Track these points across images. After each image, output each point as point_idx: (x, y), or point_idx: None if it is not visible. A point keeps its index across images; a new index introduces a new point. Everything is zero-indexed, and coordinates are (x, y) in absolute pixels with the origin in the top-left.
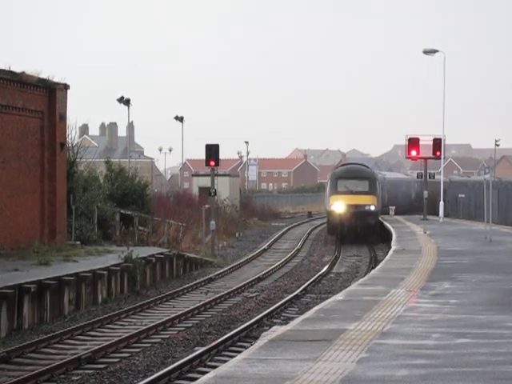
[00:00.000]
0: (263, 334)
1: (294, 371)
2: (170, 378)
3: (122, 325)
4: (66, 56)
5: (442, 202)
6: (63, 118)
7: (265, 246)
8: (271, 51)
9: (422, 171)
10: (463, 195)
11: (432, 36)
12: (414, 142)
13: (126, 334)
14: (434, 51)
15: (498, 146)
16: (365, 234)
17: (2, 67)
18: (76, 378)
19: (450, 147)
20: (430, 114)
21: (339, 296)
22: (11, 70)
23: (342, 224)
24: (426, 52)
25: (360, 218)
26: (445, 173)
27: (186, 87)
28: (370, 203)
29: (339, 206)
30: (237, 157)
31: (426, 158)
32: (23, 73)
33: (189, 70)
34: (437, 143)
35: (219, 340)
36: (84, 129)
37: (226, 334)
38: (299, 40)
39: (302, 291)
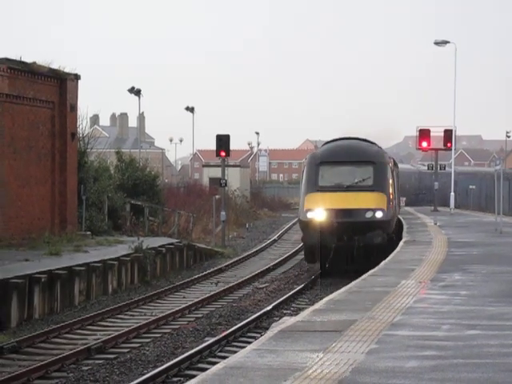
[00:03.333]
0: (273, 324)
1: (303, 362)
2: (180, 368)
3: (132, 315)
4: (77, 46)
5: (452, 194)
6: (74, 108)
7: (275, 237)
8: (282, 42)
9: (433, 162)
10: (474, 186)
11: (443, 27)
12: (424, 134)
13: (136, 325)
14: (445, 42)
15: (508, 137)
16: (367, 261)
17: (13, 57)
18: (86, 368)
19: (461, 138)
20: (441, 105)
21: (349, 287)
22: (22, 60)
23: (326, 245)
24: (437, 43)
25: (356, 234)
26: (456, 164)
27: (197, 78)
28: (375, 207)
29: (319, 213)
30: (247, 147)
31: (436, 150)
32: (34, 63)
33: (200, 61)
34: (448, 134)
35: (229, 330)
36: (95, 119)
37: (236, 324)
38: (310, 30)
39: (311, 282)
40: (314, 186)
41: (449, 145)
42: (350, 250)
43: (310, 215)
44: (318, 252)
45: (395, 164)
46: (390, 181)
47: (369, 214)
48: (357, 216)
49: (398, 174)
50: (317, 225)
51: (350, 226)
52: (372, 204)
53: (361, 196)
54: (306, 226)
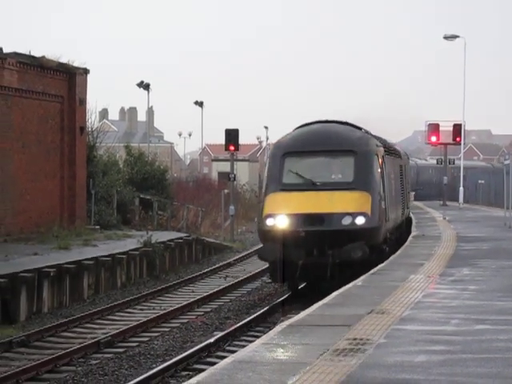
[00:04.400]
0: (282, 318)
1: (312, 356)
2: (189, 362)
3: (141, 309)
4: (87, 41)
5: (461, 188)
6: (83, 102)
7: None
8: (290, 38)
9: (442, 157)
10: (483, 181)
11: (452, 21)
12: (433, 128)
13: (145, 319)
14: (455, 37)
15: None
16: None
17: (23, 52)
18: (95, 361)
19: (470, 133)
20: (450, 100)
21: (358, 281)
22: (31, 54)
23: (291, 262)
24: (447, 37)
25: (330, 247)
26: (465, 159)
27: (206, 72)
28: (356, 210)
29: (282, 219)
30: (256, 142)
31: (445, 144)
32: (43, 57)
33: (209, 55)
34: (457, 129)
35: (238, 325)
36: (104, 113)
37: (244, 318)
38: (318, 26)
39: None
40: (277, 184)
41: (458, 139)
42: (322, 269)
43: (269, 222)
44: (280, 270)
45: (399, 156)
46: (378, 176)
47: (346, 221)
48: (331, 223)
49: (405, 166)
50: (278, 235)
51: (321, 236)
52: (351, 207)
53: (337, 196)
54: (264, 236)
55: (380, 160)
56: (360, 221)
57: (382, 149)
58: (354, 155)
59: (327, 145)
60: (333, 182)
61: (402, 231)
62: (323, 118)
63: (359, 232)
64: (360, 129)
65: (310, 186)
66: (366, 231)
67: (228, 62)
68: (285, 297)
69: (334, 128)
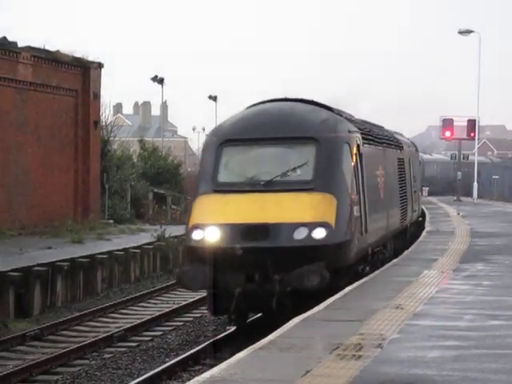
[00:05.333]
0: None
1: (325, 351)
2: (202, 356)
3: (154, 303)
4: (101, 34)
5: (475, 184)
6: (97, 96)
7: None
8: (306, 29)
9: (456, 152)
10: (497, 176)
11: (467, 15)
12: (448, 123)
13: (159, 313)
14: (469, 32)
15: None
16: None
17: (37, 46)
18: (108, 355)
19: (485, 128)
20: (464, 95)
21: (372, 276)
22: (46, 48)
23: (225, 290)
24: (461, 32)
25: (276, 271)
26: (479, 154)
27: (221, 66)
28: (314, 220)
29: (213, 231)
30: None
31: (460, 139)
32: (58, 51)
33: (225, 48)
34: (471, 124)
35: (252, 318)
36: (118, 107)
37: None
38: (330, 20)
39: None
40: (209, 184)
41: (472, 135)
42: (267, 299)
43: (196, 236)
44: (210, 301)
45: (398, 146)
46: (349, 172)
47: (300, 234)
48: (278, 237)
49: (409, 160)
50: (207, 253)
51: (265, 255)
52: (308, 215)
53: (289, 200)
54: (190, 255)
55: (354, 150)
56: (319, 234)
57: (357, 135)
58: (316, 144)
59: (279, 130)
60: (284, 181)
61: (406, 239)
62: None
63: (318, 250)
64: (329, 109)
65: (253, 186)
66: (328, 248)
67: (243, 56)
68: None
69: (291, 108)
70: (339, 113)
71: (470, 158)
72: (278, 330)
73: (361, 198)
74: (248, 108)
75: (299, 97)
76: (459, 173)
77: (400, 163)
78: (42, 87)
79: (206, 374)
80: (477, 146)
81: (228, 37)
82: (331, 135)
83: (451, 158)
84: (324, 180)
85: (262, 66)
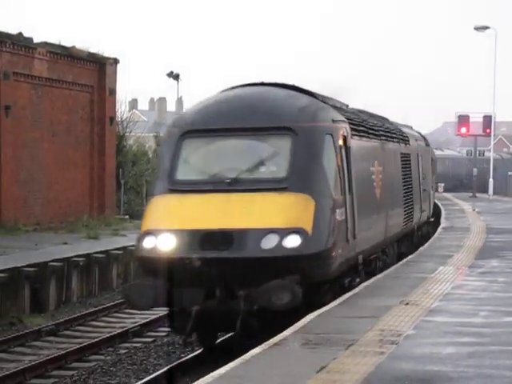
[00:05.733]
0: None
1: (341, 345)
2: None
3: None
4: (117, 30)
5: (491, 180)
6: (113, 92)
7: None
8: (326, 28)
9: (472, 148)
10: None
11: (483, 12)
12: (463, 120)
13: None
14: (485, 28)
15: None
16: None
17: (53, 41)
18: (123, 351)
19: (501, 124)
20: (480, 91)
21: (387, 272)
22: (61, 44)
23: (183, 307)
24: (477, 28)
25: (241, 286)
26: (494, 150)
27: (235, 62)
28: (286, 225)
29: (167, 238)
30: None
31: (475, 136)
32: (73, 47)
33: (239, 43)
34: (487, 120)
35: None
36: (133, 103)
37: None
38: (346, 17)
39: None
40: (166, 182)
41: (488, 131)
42: (230, 319)
43: (148, 244)
44: (169, 319)
45: (401, 139)
46: (332, 168)
47: (270, 242)
48: (244, 246)
49: (418, 156)
50: (160, 264)
51: (227, 267)
52: (279, 219)
53: (258, 202)
54: (141, 266)
55: (339, 143)
56: (292, 242)
57: (344, 126)
58: (292, 135)
59: (249, 119)
60: (253, 179)
61: (412, 242)
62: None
63: (290, 261)
64: (311, 95)
65: (216, 184)
66: (303, 259)
67: (259, 51)
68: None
69: (265, 93)
70: (324, 99)
71: (486, 154)
72: (293, 326)
73: (347, 199)
74: (218, 94)
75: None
76: (475, 169)
77: (405, 159)
78: (57, 83)
79: (222, 370)
80: (492, 143)
81: (243, 32)
82: (310, 125)
83: (467, 155)
84: (300, 178)
85: (280, 61)
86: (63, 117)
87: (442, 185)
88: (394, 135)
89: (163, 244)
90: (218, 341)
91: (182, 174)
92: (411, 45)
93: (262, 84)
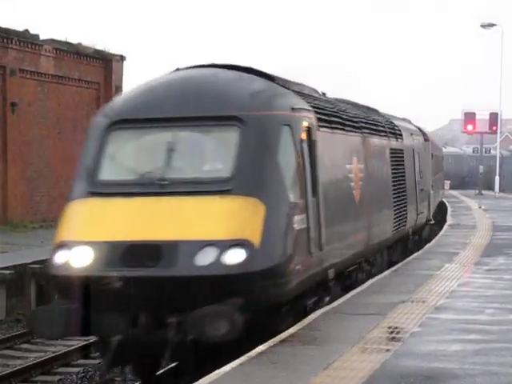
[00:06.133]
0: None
1: (347, 344)
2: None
3: None
4: (123, 27)
5: (497, 177)
6: (119, 89)
7: None
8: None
9: (478, 146)
10: None
11: (490, 8)
12: (470, 117)
13: None
14: (492, 25)
15: None
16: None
17: (59, 38)
18: None
19: (507, 122)
20: (487, 88)
21: (393, 269)
22: (68, 41)
23: (102, 336)
24: (484, 26)
25: (172, 311)
26: (500, 148)
27: (245, 59)
28: (226, 237)
29: (83, 253)
30: None
31: (482, 133)
32: (80, 44)
33: (245, 41)
34: (493, 118)
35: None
36: None
37: None
38: (349, 14)
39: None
40: (86, 183)
41: (494, 128)
42: (159, 349)
43: (59, 258)
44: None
45: (390, 133)
46: (292, 167)
47: (206, 257)
48: (174, 262)
49: (413, 152)
50: (74, 284)
51: (155, 288)
52: (218, 229)
53: (192, 208)
54: (54, 284)
55: (301, 135)
56: (235, 257)
57: (309, 115)
58: (240, 126)
59: (190, 107)
60: (191, 180)
61: (407, 247)
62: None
63: (232, 281)
64: (270, 78)
65: (145, 186)
66: (249, 279)
67: (273, 47)
68: None
69: (213, 76)
70: (286, 84)
71: (492, 152)
72: (300, 323)
73: (310, 203)
74: (159, 77)
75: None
76: (481, 166)
77: (395, 155)
78: (63, 80)
79: (227, 368)
80: (499, 140)
81: (250, 30)
82: (262, 113)
83: (473, 152)
84: (248, 178)
85: (288, 61)
86: (69, 114)
87: (448, 182)
88: (382, 128)
89: (78, 259)
90: (159, 372)
91: (106, 173)
92: (418, 43)
93: (213, 66)
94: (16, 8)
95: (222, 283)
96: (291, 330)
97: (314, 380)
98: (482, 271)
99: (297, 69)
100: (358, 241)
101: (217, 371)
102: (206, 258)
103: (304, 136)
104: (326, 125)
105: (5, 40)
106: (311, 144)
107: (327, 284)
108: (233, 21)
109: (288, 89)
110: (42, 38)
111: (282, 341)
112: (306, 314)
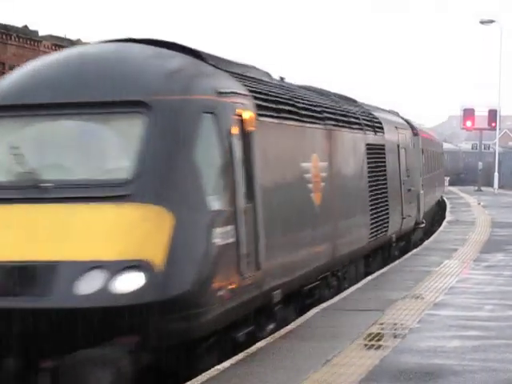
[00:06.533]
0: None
1: (346, 338)
2: None
3: None
4: (123, 24)
5: (496, 174)
6: None
7: None
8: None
9: (477, 142)
10: None
11: (489, 5)
12: (469, 113)
13: None
14: (491, 21)
15: None
16: None
17: (58, 35)
18: None
19: (506, 118)
20: (486, 85)
21: (391, 266)
22: (67, 37)
23: None
24: (483, 22)
25: (43, 353)
26: (499, 144)
27: (254, 59)
28: (118, 257)
29: None
30: None
31: (481, 129)
32: (79, 40)
33: (249, 40)
34: (492, 114)
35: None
36: None
37: None
38: (347, 11)
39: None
40: None
41: (493, 124)
42: None
43: None
44: None
45: (366, 125)
46: (212, 164)
47: (89, 283)
48: (49, 290)
49: (398, 148)
50: None
51: (24, 323)
52: (109, 247)
53: (77, 219)
54: None
55: (230, 126)
56: (129, 283)
57: (244, 102)
58: (147, 114)
59: (85, 90)
60: (80, 183)
61: (390, 255)
62: None
63: (124, 314)
64: (194, 54)
65: (23, 191)
66: (148, 311)
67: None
68: None
69: (120, 53)
70: (217, 64)
71: (491, 148)
72: (298, 319)
73: (240, 211)
74: (58, 53)
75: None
76: (480, 163)
77: (374, 152)
78: None
79: (226, 364)
80: (498, 136)
81: (253, 28)
82: (176, 98)
83: (472, 148)
84: (152, 180)
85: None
86: None
87: (447, 178)
88: (355, 120)
89: None
90: None
91: None
92: (417, 41)
93: (130, 40)
94: (16, 6)
95: (110, 318)
96: (290, 327)
97: (313, 376)
98: (481, 268)
99: (296, 69)
100: (320, 252)
101: (216, 367)
102: (90, 284)
103: (235, 126)
104: (271, 113)
105: (4, 36)
106: (246, 136)
107: (271, 309)
108: (233, 21)
109: (220, 69)
110: (40, 34)
111: (281, 337)
112: (236, 349)
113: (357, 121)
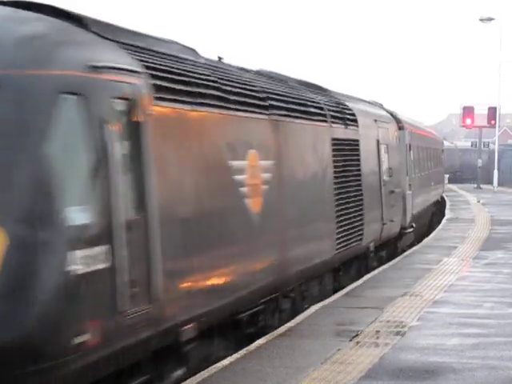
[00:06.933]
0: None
1: (346, 336)
2: None
3: None
4: (136, 20)
5: (496, 171)
6: None
7: None
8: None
9: (477, 140)
10: None
11: (488, 2)
12: (468, 111)
13: None
14: (491, 19)
15: None
16: None
17: None
18: None
19: (506, 116)
20: (485, 83)
21: (391, 264)
22: None
23: None
24: (483, 20)
25: None
26: (499, 142)
27: (264, 61)
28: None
29: None
30: None
31: (480, 127)
32: None
33: (249, 40)
34: (492, 112)
35: None
36: None
37: None
38: (343, 10)
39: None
40: None
41: (493, 122)
42: None
43: None
44: None
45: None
46: (72, 165)
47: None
48: None
49: (383, 145)
50: None
51: None
52: None
53: None
54: None
55: (109, 113)
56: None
57: (132, 81)
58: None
59: None
60: None
61: (367, 266)
62: None
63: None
64: (73, 19)
65: None
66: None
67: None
68: None
69: None
70: (101, 31)
71: (491, 146)
72: (298, 317)
73: (121, 226)
74: None
75: None
76: (480, 160)
77: (343, 148)
78: None
79: (225, 361)
80: (497, 134)
81: (253, 26)
82: (26, 73)
83: (472, 146)
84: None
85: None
86: None
87: (447, 176)
88: (317, 111)
89: None
90: None
91: None
92: (416, 37)
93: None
94: None
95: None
96: (289, 324)
97: (312, 374)
98: (480, 265)
99: (296, 68)
100: (261, 270)
101: (216, 365)
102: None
103: (115, 113)
104: (178, 98)
105: None
106: (136, 127)
107: (179, 352)
108: (232, 20)
109: (104, 38)
110: None
111: (281, 335)
112: None
113: (320, 111)
